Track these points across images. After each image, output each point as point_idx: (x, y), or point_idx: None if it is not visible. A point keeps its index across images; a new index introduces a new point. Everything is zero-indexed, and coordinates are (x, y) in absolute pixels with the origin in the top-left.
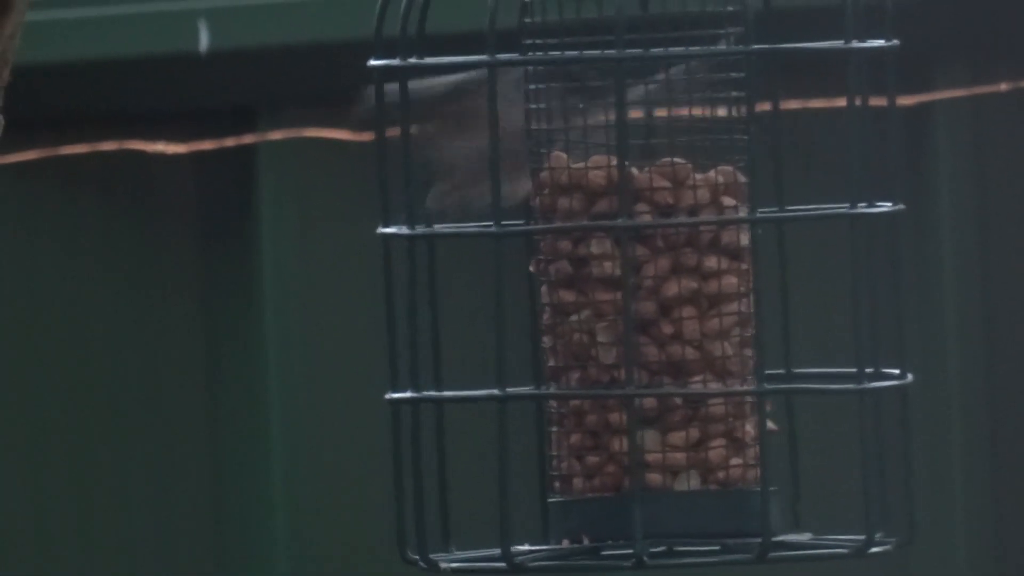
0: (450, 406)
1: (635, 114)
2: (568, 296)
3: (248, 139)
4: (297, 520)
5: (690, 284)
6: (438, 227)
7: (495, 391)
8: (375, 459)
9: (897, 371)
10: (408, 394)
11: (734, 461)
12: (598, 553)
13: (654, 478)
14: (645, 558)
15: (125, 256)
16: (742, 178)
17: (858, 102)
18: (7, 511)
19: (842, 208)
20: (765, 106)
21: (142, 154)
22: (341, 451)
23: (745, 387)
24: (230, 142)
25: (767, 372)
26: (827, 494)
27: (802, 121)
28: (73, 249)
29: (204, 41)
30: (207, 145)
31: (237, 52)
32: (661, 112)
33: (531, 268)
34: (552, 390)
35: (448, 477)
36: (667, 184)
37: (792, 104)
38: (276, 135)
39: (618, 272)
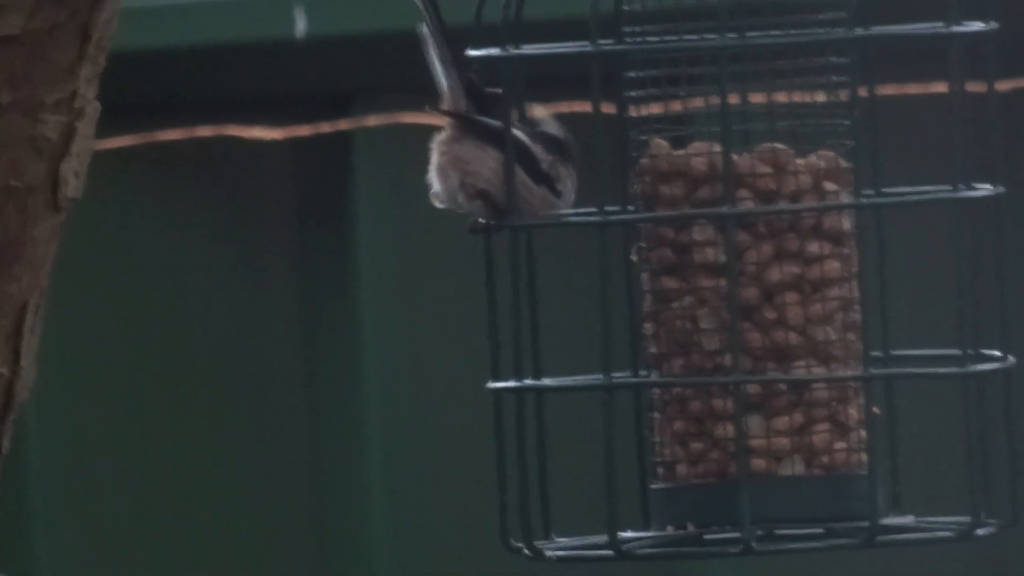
0: (549, 395)
1: (734, 99)
2: (671, 283)
3: (344, 125)
4: (397, 509)
5: (792, 270)
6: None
7: (601, 379)
8: (474, 446)
9: (998, 353)
10: (511, 383)
11: (838, 445)
12: (701, 539)
13: (758, 463)
14: (753, 543)
15: (221, 241)
16: (844, 163)
17: (956, 87)
18: (110, 499)
19: (944, 191)
20: (863, 91)
21: (239, 140)
22: (439, 438)
23: (849, 371)
24: (326, 128)
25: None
26: (925, 476)
27: (898, 106)
28: (170, 234)
29: (301, 27)
30: (303, 131)
31: (334, 38)
32: (760, 98)
33: (632, 256)
34: (654, 377)
35: (549, 465)
36: (769, 170)
37: (889, 89)
38: (372, 121)
39: (721, 258)
